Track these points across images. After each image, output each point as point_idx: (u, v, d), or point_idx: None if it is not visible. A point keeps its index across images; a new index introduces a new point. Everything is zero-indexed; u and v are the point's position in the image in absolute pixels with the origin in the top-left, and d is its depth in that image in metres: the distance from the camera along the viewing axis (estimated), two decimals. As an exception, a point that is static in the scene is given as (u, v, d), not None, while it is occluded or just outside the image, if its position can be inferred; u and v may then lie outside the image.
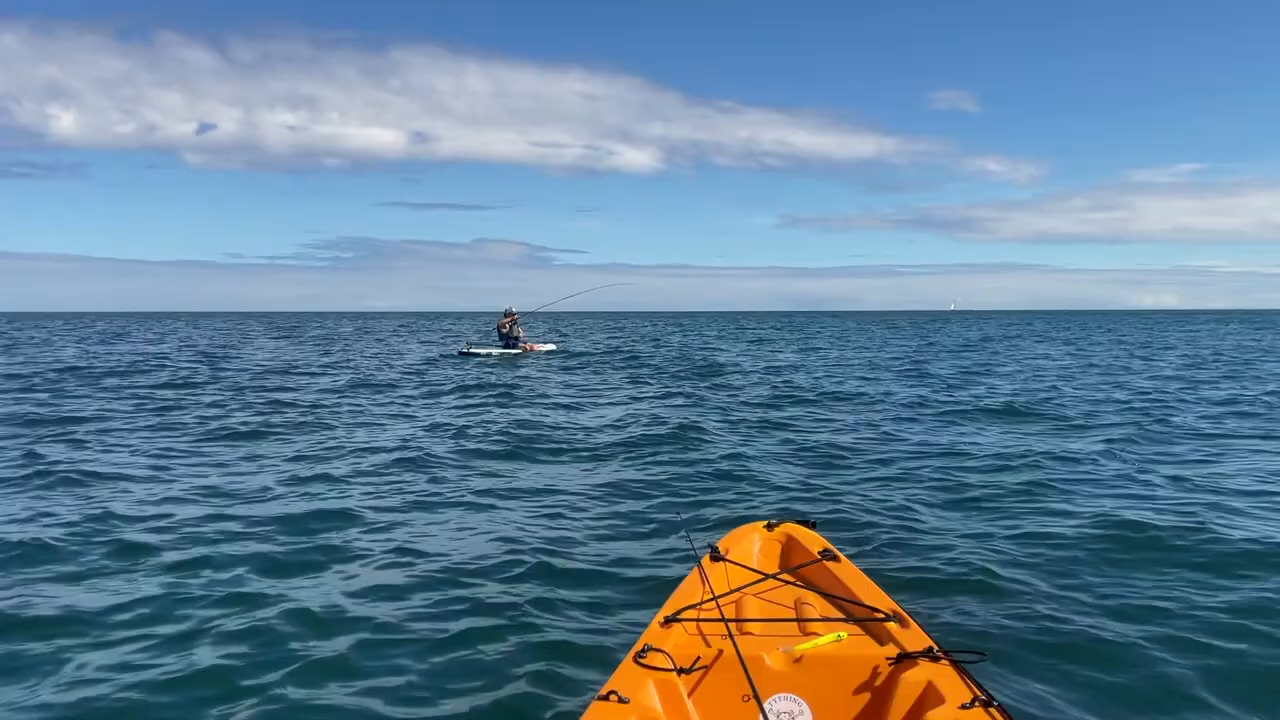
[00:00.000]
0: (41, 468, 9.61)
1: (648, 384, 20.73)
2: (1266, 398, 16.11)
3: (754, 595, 3.96)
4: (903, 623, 3.53)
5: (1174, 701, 3.96)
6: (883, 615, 3.59)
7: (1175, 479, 8.61)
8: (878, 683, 3.20)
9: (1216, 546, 6.09)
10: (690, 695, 3.20)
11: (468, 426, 13.06)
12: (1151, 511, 7.14)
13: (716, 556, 4.28)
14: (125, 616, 5.11)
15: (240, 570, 5.95)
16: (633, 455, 10.50)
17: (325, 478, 9.17)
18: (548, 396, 17.67)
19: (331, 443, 11.57)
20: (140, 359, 30.61)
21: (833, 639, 3.36)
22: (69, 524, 7.20)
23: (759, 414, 14.45)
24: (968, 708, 2.87)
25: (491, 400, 17.02)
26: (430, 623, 4.93)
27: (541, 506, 7.85)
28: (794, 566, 4.33)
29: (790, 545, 4.59)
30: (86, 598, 5.44)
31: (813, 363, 28.24)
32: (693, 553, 4.43)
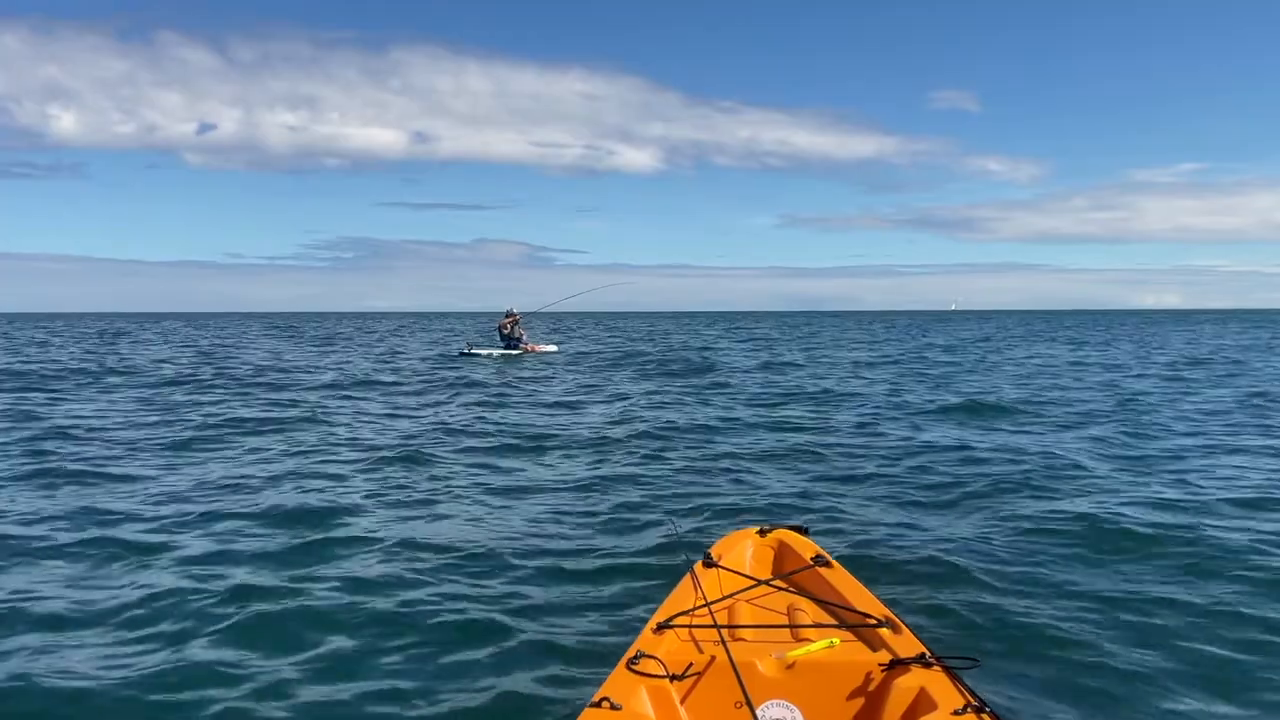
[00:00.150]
0: (42, 466, 9.67)
1: (648, 384, 20.74)
2: (1255, 401, 16.09)
3: (747, 601, 3.97)
4: (895, 629, 3.53)
5: (1170, 708, 3.96)
6: (875, 621, 3.59)
7: (1175, 482, 8.61)
8: (870, 689, 3.21)
9: (1211, 550, 6.09)
10: (683, 702, 3.21)
11: (468, 426, 13.08)
12: (1149, 514, 7.14)
13: (709, 562, 4.29)
14: (125, 613, 5.16)
15: (239, 567, 6.00)
16: (632, 456, 10.51)
17: (325, 477, 9.20)
18: (548, 397, 17.68)
19: (332, 442, 11.60)
20: (140, 359, 30.64)
21: (825, 645, 3.36)
22: (70, 522, 7.26)
23: (759, 414, 14.45)
24: (960, 714, 2.88)
25: (492, 400, 17.03)
26: (423, 625, 4.94)
27: (536, 509, 7.86)
28: (787, 573, 4.33)
29: (783, 551, 4.59)
30: (87, 595, 5.49)
31: (813, 363, 28.23)
32: (685, 558, 4.44)
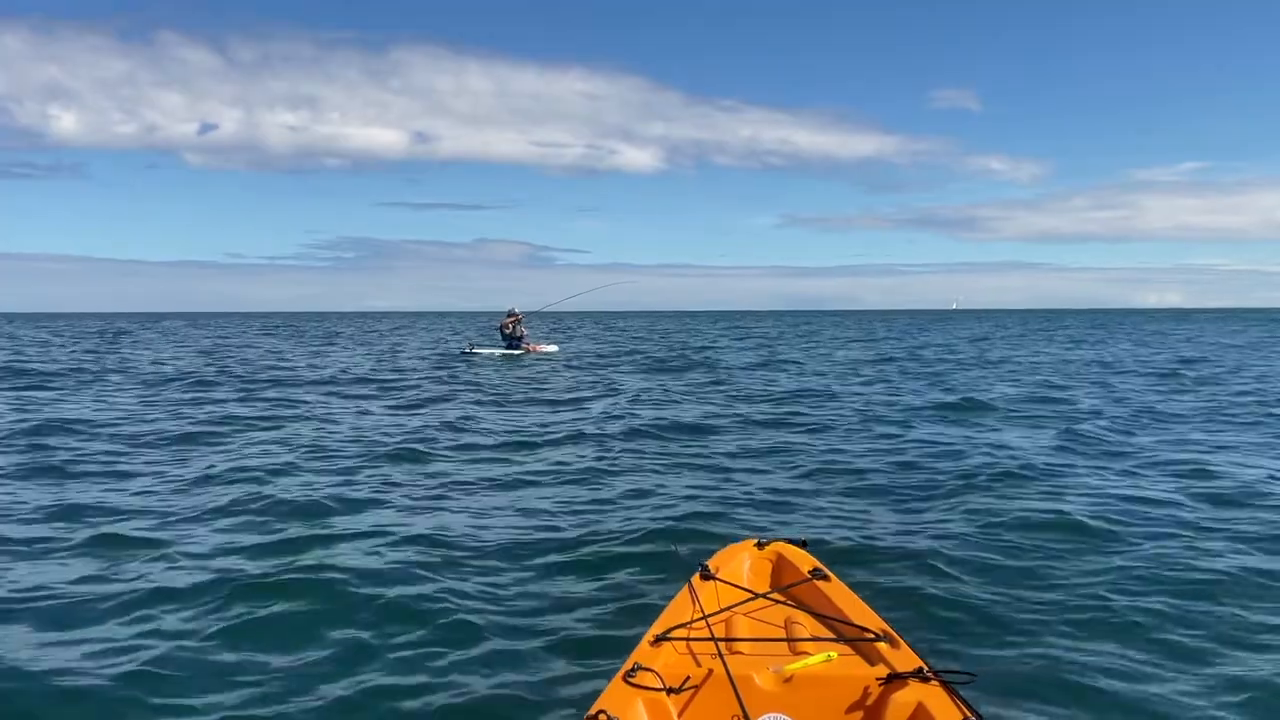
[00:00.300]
0: (44, 463, 9.74)
1: (648, 383, 20.73)
2: (1242, 399, 16.10)
3: (744, 614, 3.96)
4: (893, 643, 3.53)
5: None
6: (873, 635, 3.58)
7: (1176, 483, 8.58)
8: (868, 703, 3.21)
9: (1208, 558, 6.07)
10: (680, 715, 3.20)
11: (468, 424, 13.10)
12: (1150, 522, 7.12)
13: (707, 575, 4.27)
14: (125, 610, 5.19)
15: (240, 564, 6.03)
16: (631, 457, 10.50)
17: (325, 474, 9.23)
18: (548, 397, 17.68)
19: (332, 439, 11.62)
20: (141, 358, 30.65)
21: (823, 659, 3.35)
22: (71, 518, 7.32)
23: (759, 413, 14.46)
24: None
25: (492, 399, 17.03)
26: (423, 624, 4.95)
27: (536, 508, 7.86)
28: (784, 585, 4.32)
29: (781, 564, 4.58)
30: (88, 590, 5.52)
31: (812, 362, 28.23)
32: (683, 570, 4.43)
